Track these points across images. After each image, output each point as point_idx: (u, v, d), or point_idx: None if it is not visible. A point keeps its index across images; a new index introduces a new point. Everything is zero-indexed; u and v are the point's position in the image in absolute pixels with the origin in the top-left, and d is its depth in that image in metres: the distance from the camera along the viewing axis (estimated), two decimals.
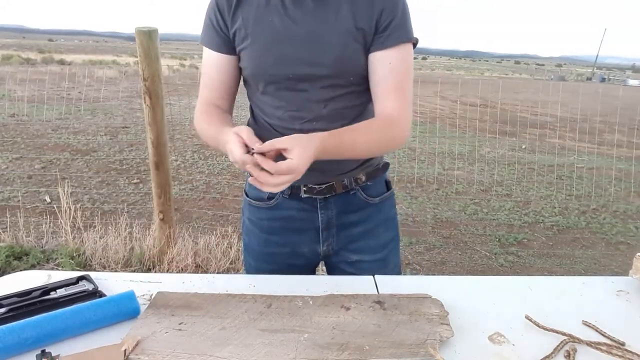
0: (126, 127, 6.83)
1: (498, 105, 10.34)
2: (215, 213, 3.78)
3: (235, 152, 0.84)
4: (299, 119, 1.02)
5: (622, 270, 3.16)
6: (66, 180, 3.73)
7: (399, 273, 1.27)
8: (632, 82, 39.39)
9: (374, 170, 1.14)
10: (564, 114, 9.57)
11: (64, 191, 3.00)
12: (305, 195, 1.10)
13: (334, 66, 0.98)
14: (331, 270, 1.22)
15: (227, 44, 1.02)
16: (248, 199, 1.19)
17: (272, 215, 1.15)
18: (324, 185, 1.09)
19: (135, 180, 4.51)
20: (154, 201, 2.72)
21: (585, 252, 3.51)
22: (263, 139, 0.93)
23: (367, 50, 0.99)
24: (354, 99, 1.04)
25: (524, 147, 7.16)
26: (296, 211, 1.12)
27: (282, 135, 0.97)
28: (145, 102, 2.48)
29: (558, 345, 0.83)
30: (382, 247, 1.18)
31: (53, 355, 0.76)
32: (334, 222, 1.13)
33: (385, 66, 0.98)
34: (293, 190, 1.11)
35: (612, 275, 1.12)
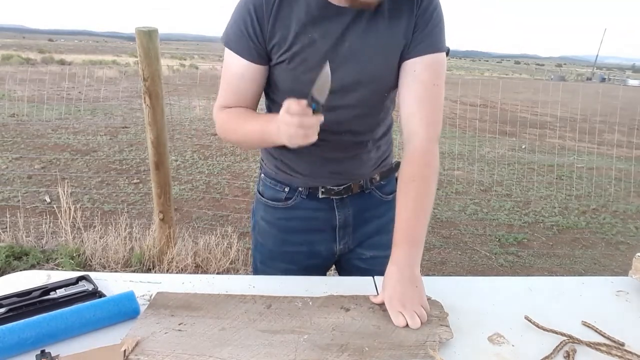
0: (126, 127, 6.83)
1: (498, 105, 10.33)
2: (215, 213, 3.78)
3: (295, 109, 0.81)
4: (328, 131, 0.99)
5: (622, 270, 3.15)
6: (66, 180, 3.73)
7: None
8: (632, 82, 39.36)
9: (387, 170, 1.17)
10: (564, 114, 9.57)
11: (63, 191, 3.00)
12: (322, 196, 1.12)
13: (373, 84, 0.99)
14: (344, 268, 1.24)
15: (260, 53, 0.96)
16: (264, 199, 1.19)
17: (289, 215, 1.16)
18: (342, 187, 1.12)
19: (135, 180, 4.51)
20: (154, 201, 2.72)
21: (585, 252, 3.51)
22: (285, 146, 1.00)
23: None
24: (382, 112, 1.07)
25: (524, 147, 7.16)
26: (313, 211, 1.14)
27: (310, 146, 1.00)
28: (145, 102, 2.48)
29: (558, 346, 0.83)
30: None
31: (53, 355, 0.76)
32: (350, 221, 1.16)
33: (411, 75, 0.96)
34: (311, 191, 1.13)
35: (612, 276, 1.12)
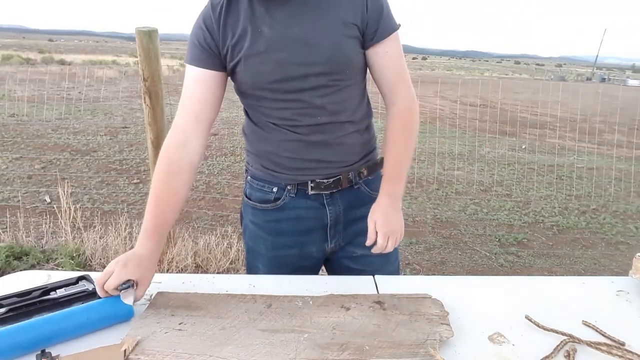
0: (126, 127, 6.83)
1: (498, 105, 10.34)
2: (215, 213, 3.78)
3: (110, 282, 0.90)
4: (304, 115, 1.04)
5: (622, 270, 3.15)
6: (66, 180, 3.73)
7: (399, 266, 1.29)
8: (632, 82, 39.30)
9: (373, 164, 1.17)
10: (564, 114, 9.57)
11: (64, 191, 3.00)
12: (312, 192, 1.11)
13: (329, 62, 1.01)
14: (333, 266, 1.23)
15: (215, 59, 1.03)
16: (252, 202, 1.17)
17: (279, 217, 1.14)
18: (332, 179, 1.11)
19: (135, 180, 4.51)
20: None
21: (585, 252, 3.51)
22: (267, 138, 1.07)
23: (363, 45, 1.05)
24: (353, 90, 1.09)
25: (524, 147, 7.16)
26: (304, 210, 1.13)
27: (288, 131, 1.05)
28: (145, 102, 2.48)
29: (558, 345, 0.83)
30: None
31: (53, 355, 0.76)
32: (341, 218, 1.15)
33: (384, 56, 1.07)
34: (300, 188, 1.11)
35: (612, 275, 1.12)
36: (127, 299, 0.90)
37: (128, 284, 0.90)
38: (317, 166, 1.09)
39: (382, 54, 1.06)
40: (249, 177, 1.19)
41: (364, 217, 1.15)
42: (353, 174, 1.13)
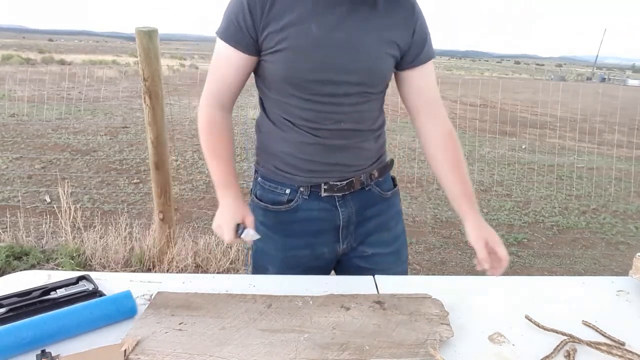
0: (126, 127, 6.83)
1: (498, 105, 10.34)
2: (215, 213, 3.78)
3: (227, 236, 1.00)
4: (328, 120, 1.05)
5: (622, 270, 3.15)
6: (66, 180, 3.73)
7: (407, 267, 1.30)
8: (632, 82, 39.31)
9: (384, 166, 1.19)
10: (564, 114, 9.57)
11: (64, 191, 3.00)
12: (325, 195, 1.11)
13: (367, 73, 1.03)
14: (345, 266, 1.22)
15: (250, 45, 1.01)
16: (263, 203, 1.16)
17: (292, 218, 1.13)
18: (345, 182, 1.11)
19: (135, 180, 4.51)
20: (154, 201, 2.72)
21: (585, 252, 3.51)
22: (284, 139, 1.08)
23: (398, 64, 1.09)
24: (377, 103, 1.12)
25: (524, 147, 7.16)
26: (317, 212, 1.13)
27: (308, 133, 1.05)
28: (145, 102, 2.48)
29: (558, 345, 0.83)
30: (395, 240, 1.23)
31: (53, 355, 0.76)
32: (353, 219, 1.15)
33: (425, 79, 1.12)
34: (313, 190, 1.11)
35: (612, 275, 1.12)
36: (250, 236, 0.99)
37: (241, 227, 0.99)
38: (333, 169, 1.10)
39: (423, 76, 1.11)
40: (259, 178, 1.18)
41: (375, 217, 1.18)
42: (365, 176, 1.14)
